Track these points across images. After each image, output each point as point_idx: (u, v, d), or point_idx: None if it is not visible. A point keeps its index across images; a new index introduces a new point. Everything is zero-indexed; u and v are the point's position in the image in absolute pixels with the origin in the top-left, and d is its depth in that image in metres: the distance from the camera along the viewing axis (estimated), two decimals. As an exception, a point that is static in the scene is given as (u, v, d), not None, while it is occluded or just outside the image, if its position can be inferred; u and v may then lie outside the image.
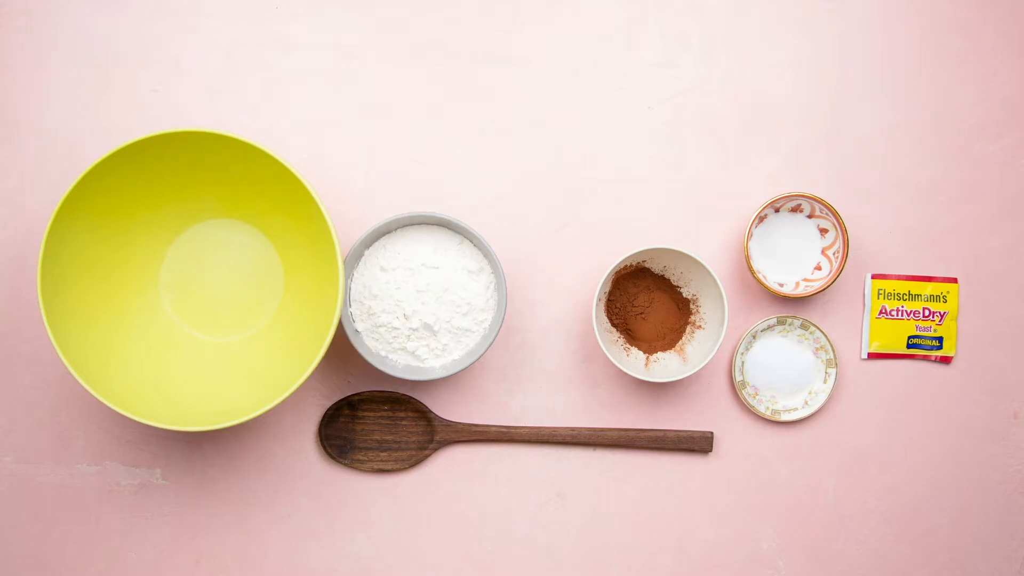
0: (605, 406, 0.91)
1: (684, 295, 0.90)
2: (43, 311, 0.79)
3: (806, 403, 0.91)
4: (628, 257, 0.86)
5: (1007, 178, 0.92)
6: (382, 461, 0.90)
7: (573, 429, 0.90)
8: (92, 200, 0.83)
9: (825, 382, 0.90)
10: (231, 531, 0.90)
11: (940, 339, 0.91)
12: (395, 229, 0.87)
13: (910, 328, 0.91)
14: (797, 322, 0.90)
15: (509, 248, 0.91)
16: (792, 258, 0.90)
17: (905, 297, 0.91)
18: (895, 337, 0.91)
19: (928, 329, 0.91)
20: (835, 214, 0.88)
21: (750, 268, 0.88)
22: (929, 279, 0.91)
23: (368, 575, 0.90)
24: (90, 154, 0.89)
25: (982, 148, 0.92)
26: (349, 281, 0.86)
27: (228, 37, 0.90)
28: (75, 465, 0.89)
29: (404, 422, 0.90)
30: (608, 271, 0.86)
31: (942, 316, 0.91)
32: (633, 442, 0.90)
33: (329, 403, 0.90)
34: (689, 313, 0.90)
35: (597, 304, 0.87)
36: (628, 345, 0.90)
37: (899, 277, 0.91)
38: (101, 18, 0.90)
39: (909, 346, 0.91)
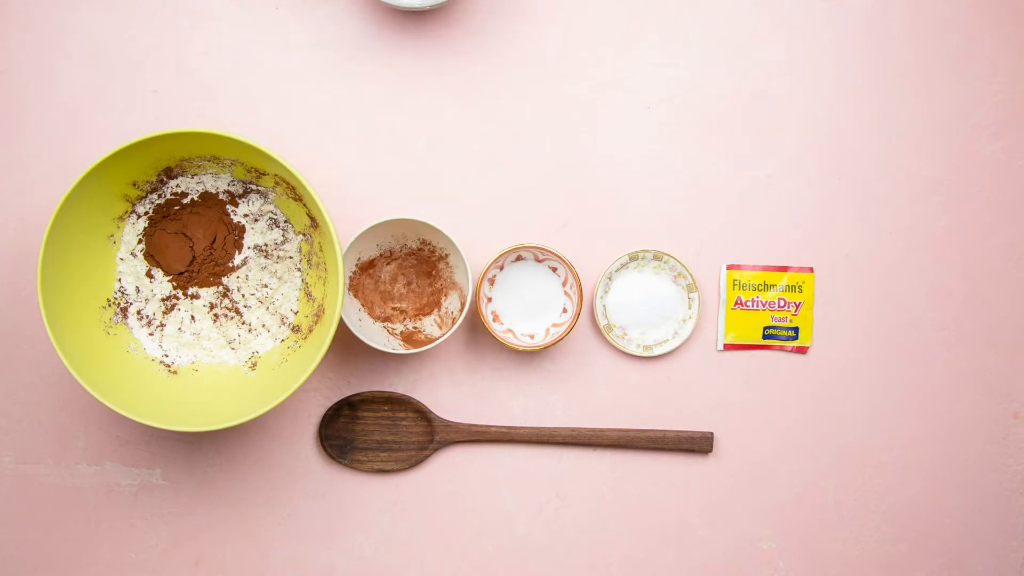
0: (605, 406, 0.91)
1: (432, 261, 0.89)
2: (43, 311, 0.79)
3: (676, 333, 0.90)
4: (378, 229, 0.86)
5: (1008, 177, 0.92)
6: (382, 461, 0.90)
7: (573, 429, 0.90)
8: (92, 200, 0.83)
9: (690, 307, 0.90)
10: (231, 531, 0.90)
11: (796, 329, 0.91)
12: None
13: (765, 319, 0.91)
14: (649, 254, 0.90)
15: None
16: (539, 305, 0.90)
17: (760, 288, 0.91)
18: (750, 328, 0.91)
19: (783, 320, 0.91)
20: (560, 258, 0.88)
21: (485, 321, 0.87)
22: (784, 269, 0.91)
23: (368, 575, 0.90)
24: (90, 154, 0.89)
25: (982, 148, 0.92)
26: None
27: (228, 37, 0.90)
28: (75, 465, 0.89)
29: (404, 422, 0.90)
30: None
31: (797, 306, 0.91)
32: (633, 442, 0.90)
33: (329, 403, 0.90)
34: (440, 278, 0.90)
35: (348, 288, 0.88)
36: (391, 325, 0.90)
37: (754, 268, 0.91)
38: (101, 18, 0.90)
39: (765, 336, 0.91)
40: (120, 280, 0.88)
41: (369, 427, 0.90)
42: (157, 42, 0.90)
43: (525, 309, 0.90)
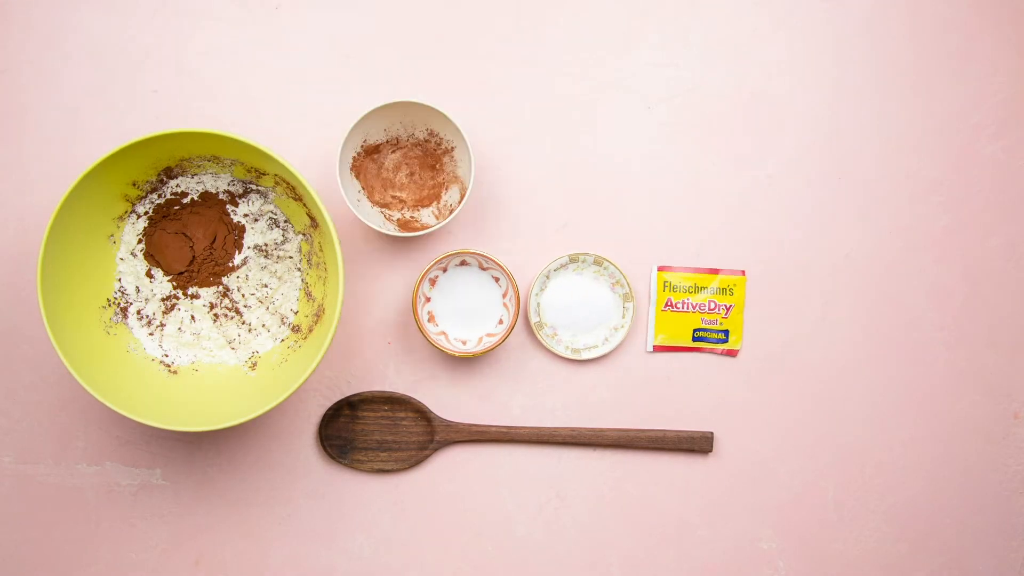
0: (605, 406, 0.91)
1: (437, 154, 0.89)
2: (43, 311, 0.79)
3: (606, 340, 0.90)
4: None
5: (1008, 177, 0.92)
6: (382, 461, 0.90)
7: (573, 429, 0.90)
8: (92, 200, 0.83)
9: (624, 317, 0.90)
10: (231, 531, 0.90)
11: (726, 332, 0.91)
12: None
13: (695, 321, 0.91)
14: (590, 259, 0.89)
15: (510, 248, 0.91)
16: (474, 311, 0.90)
17: (691, 290, 0.91)
18: (680, 330, 0.91)
19: (714, 322, 0.91)
20: (499, 266, 0.88)
21: (418, 325, 0.87)
22: (715, 272, 0.91)
23: (368, 575, 0.90)
24: (90, 154, 0.89)
25: (982, 148, 0.92)
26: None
27: (228, 37, 0.90)
28: (75, 465, 0.89)
29: (404, 422, 0.90)
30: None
31: (728, 309, 0.91)
32: (633, 442, 0.90)
33: (329, 403, 0.90)
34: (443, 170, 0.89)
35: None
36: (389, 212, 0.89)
37: (684, 269, 0.91)
38: (101, 18, 0.90)
39: (694, 339, 0.91)
40: (120, 280, 0.88)
41: (369, 427, 0.90)
42: (157, 42, 0.90)
43: (462, 314, 0.89)
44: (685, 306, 0.90)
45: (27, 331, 0.89)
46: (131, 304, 0.88)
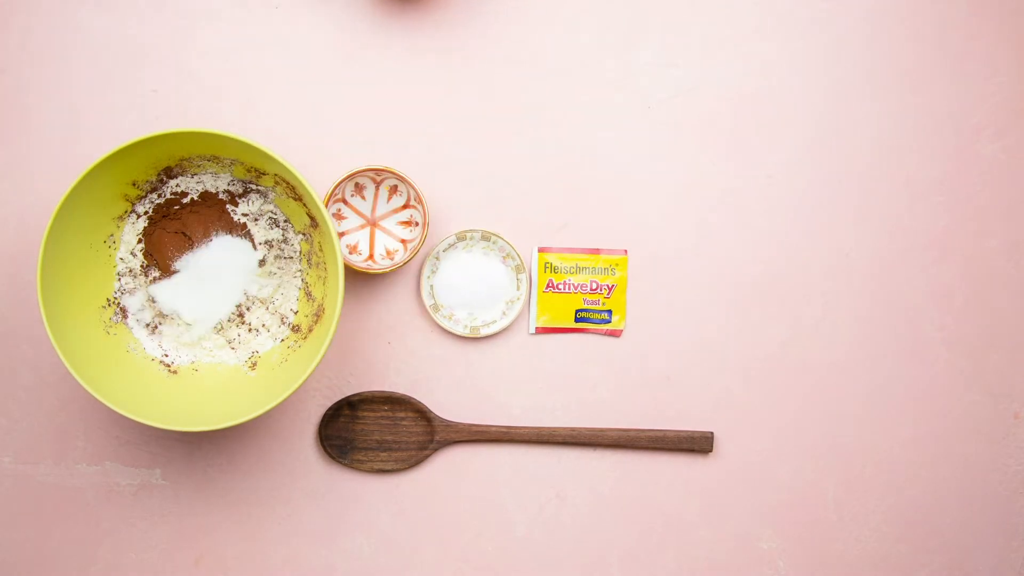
0: (605, 406, 0.91)
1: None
2: (43, 311, 0.79)
3: (504, 313, 0.90)
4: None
5: (1008, 177, 0.92)
6: (382, 461, 0.90)
7: (573, 429, 0.90)
8: (92, 200, 0.83)
9: (519, 288, 0.90)
10: (231, 531, 0.90)
11: (609, 312, 0.91)
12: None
13: (577, 302, 0.91)
14: (477, 234, 0.89)
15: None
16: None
17: (572, 271, 0.90)
18: (563, 311, 0.90)
19: (596, 303, 0.90)
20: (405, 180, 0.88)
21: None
22: (596, 252, 0.91)
23: (368, 575, 0.90)
24: (90, 154, 0.89)
25: (982, 148, 0.92)
26: None
27: (228, 37, 0.90)
28: (75, 465, 0.89)
29: (404, 422, 0.90)
30: None
31: (610, 289, 0.90)
32: (633, 442, 0.90)
33: (329, 403, 0.90)
34: None
35: None
36: None
37: (565, 250, 0.91)
38: (101, 18, 0.90)
39: (577, 320, 0.91)
40: (120, 280, 0.88)
41: (369, 427, 0.90)
42: (157, 42, 0.90)
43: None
44: (567, 287, 0.90)
45: (27, 331, 0.89)
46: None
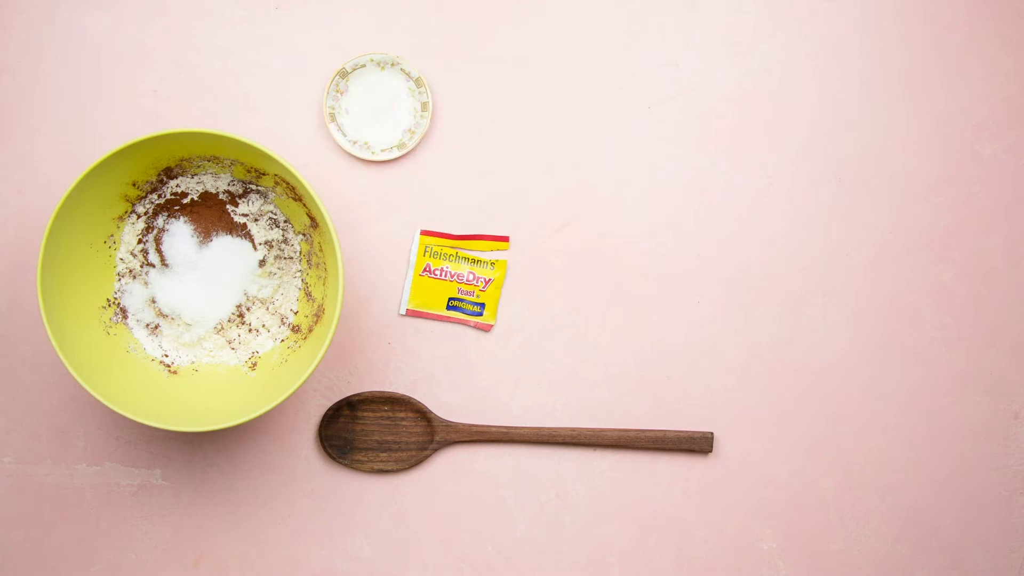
0: (605, 406, 0.91)
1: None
2: (43, 311, 0.79)
3: (402, 143, 0.89)
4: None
5: (1008, 177, 0.92)
6: (382, 461, 0.90)
7: (573, 429, 0.90)
8: (92, 200, 0.83)
9: (421, 115, 0.89)
10: (231, 531, 0.90)
11: (482, 305, 0.90)
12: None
13: (451, 290, 0.90)
14: (390, 58, 0.88)
15: (509, 248, 0.91)
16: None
17: (451, 258, 0.90)
18: (435, 297, 0.90)
19: (470, 294, 0.90)
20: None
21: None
22: (479, 238, 0.90)
23: (368, 575, 0.90)
24: (90, 154, 0.89)
25: (982, 148, 0.92)
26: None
27: (227, 37, 0.90)
28: (75, 465, 0.89)
29: (404, 422, 0.90)
30: None
31: (487, 282, 0.90)
32: (633, 442, 0.90)
33: (329, 403, 0.91)
34: None
35: None
36: None
37: (448, 236, 0.90)
38: (101, 18, 0.90)
39: (449, 308, 0.90)
40: (120, 280, 0.88)
41: (369, 427, 0.90)
42: (157, 42, 0.90)
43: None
44: (443, 274, 0.89)
45: (27, 331, 0.89)
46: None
